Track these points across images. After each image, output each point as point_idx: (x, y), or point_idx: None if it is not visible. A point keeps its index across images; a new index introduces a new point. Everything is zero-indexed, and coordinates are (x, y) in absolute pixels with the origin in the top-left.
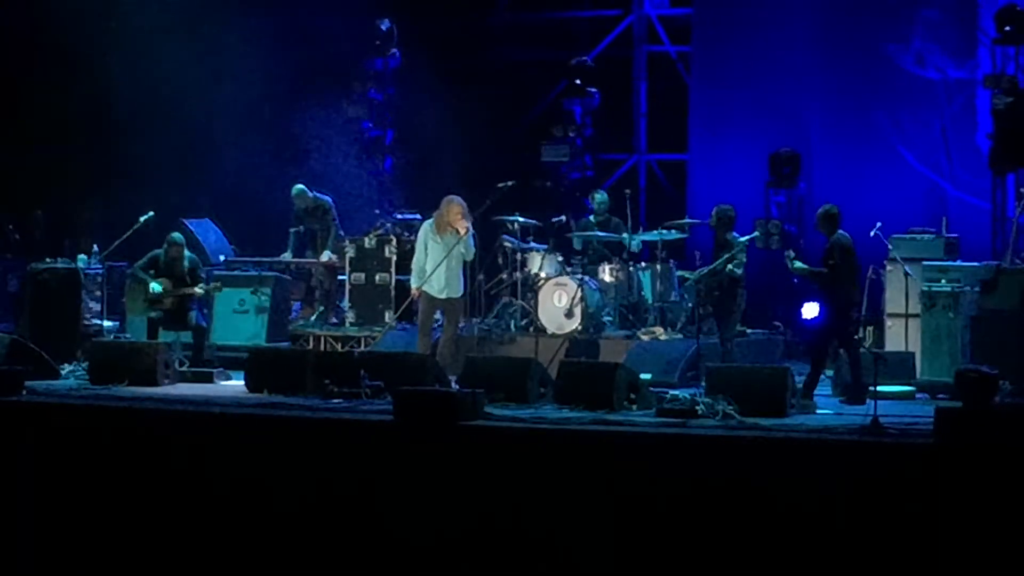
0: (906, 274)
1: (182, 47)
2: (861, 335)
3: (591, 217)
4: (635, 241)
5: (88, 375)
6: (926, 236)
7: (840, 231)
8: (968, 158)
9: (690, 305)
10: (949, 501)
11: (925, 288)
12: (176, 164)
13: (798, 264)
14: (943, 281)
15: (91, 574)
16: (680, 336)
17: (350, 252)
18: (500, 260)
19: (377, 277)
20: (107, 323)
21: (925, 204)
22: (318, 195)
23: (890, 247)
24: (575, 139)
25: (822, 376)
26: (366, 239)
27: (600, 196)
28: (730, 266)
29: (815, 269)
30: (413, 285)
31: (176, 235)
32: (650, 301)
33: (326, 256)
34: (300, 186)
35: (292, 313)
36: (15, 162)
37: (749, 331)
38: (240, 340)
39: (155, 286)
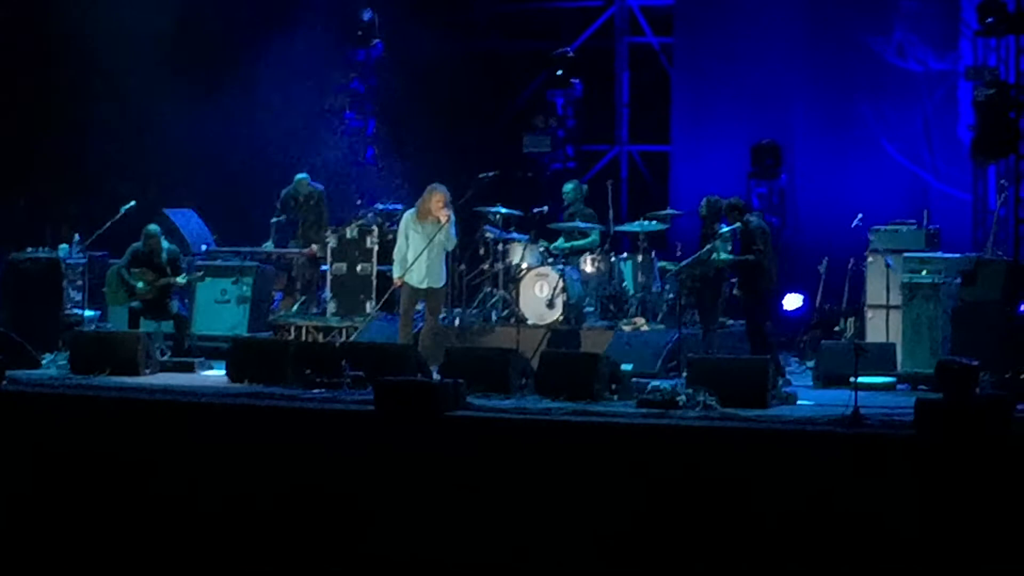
0: (887, 265)
1: (164, 38)
2: (842, 326)
3: (566, 210)
4: (593, 238)
5: (69, 365)
6: (907, 228)
7: (755, 215)
8: (950, 150)
9: (671, 296)
10: (929, 492)
11: (906, 279)
12: (157, 154)
13: (723, 255)
14: (924, 272)
15: (72, 564)
16: (662, 327)
17: (332, 242)
18: (481, 251)
19: (359, 267)
20: (88, 313)
21: (907, 196)
22: (313, 184)
23: (871, 238)
24: (557, 130)
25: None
26: (348, 229)
27: (567, 187)
28: (716, 256)
29: (739, 257)
30: (395, 275)
31: (151, 227)
32: (631, 292)
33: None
34: (304, 175)
35: (273, 303)
36: None
37: (730, 322)
38: (221, 330)
39: (140, 285)
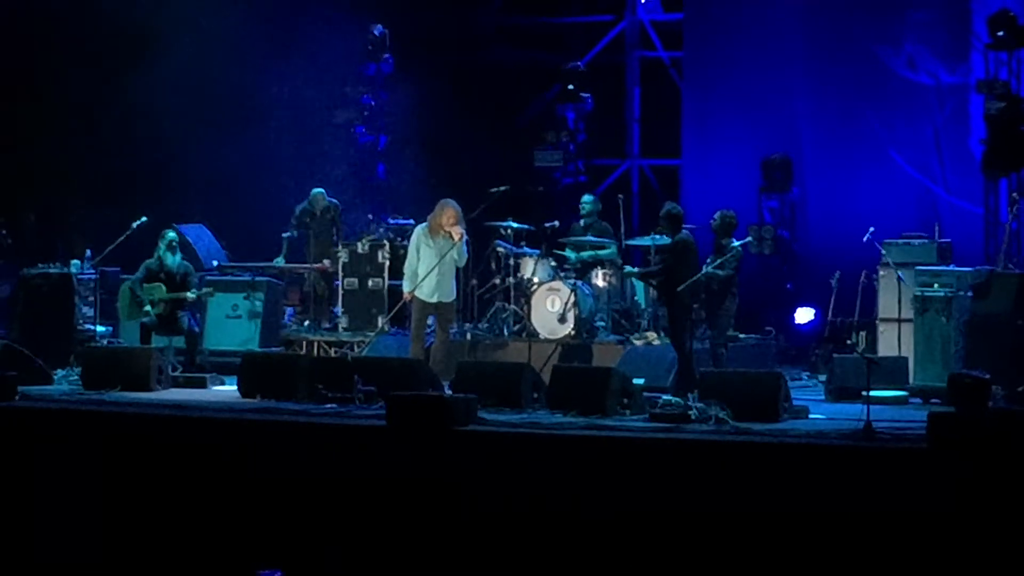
0: (899, 279)
1: (176, 53)
2: (854, 339)
3: (580, 222)
4: (610, 251)
5: (81, 380)
6: (919, 241)
7: (684, 230)
8: (961, 163)
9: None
10: (942, 506)
11: (918, 293)
12: (169, 169)
13: (627, 268)
14: (936, 286)
15: None
16: None
17: (343, 257)
18: (493, 265)
19: (370, 282)
20: (100, 328)
21: (918, 209)
22: (329, 199)
23: (883, 252)
24: (568, 144)
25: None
26: (359, 244)
27: (585, 198)
28: (710, 268)
29: (645, 270)
30: (405, 289)
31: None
32: (643, 306)
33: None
34: (321, 190)
35: (285, 318)
36: (7, 165)
37: (742, 336)
38: (233, 345)
39: (148, 309)
